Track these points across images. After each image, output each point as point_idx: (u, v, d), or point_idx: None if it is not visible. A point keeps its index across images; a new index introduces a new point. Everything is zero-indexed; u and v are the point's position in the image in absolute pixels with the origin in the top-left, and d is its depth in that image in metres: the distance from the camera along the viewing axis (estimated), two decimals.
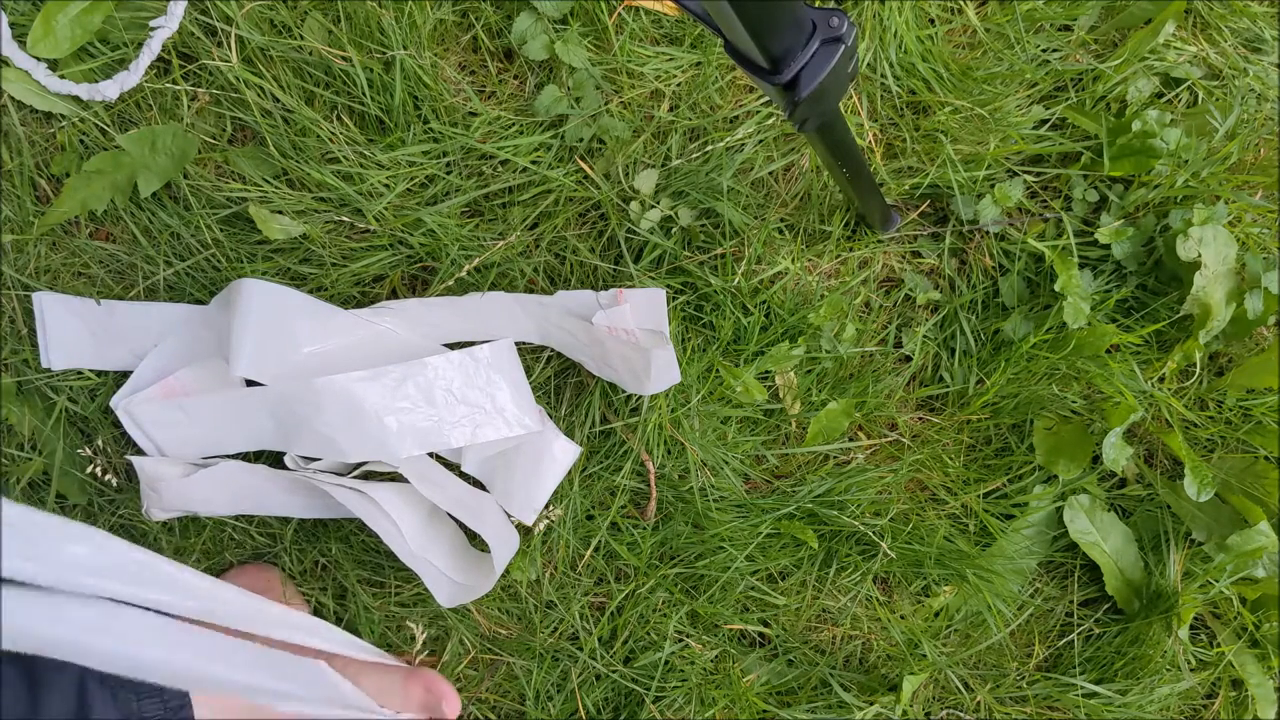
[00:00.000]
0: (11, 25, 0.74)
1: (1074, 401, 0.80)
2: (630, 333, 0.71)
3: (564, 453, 0.74)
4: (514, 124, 0.76)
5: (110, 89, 0.74)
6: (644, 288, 0.74)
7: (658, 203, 0.76)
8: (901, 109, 0.81)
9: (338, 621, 0.78)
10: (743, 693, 0.77)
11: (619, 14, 0.76)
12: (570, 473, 0.75)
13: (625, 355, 0.71)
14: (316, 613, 0.78)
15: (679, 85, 0.78)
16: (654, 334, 0.71)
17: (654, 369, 0.69)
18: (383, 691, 0.70)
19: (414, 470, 0.70)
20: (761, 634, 0.81)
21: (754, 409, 0.79)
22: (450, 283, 0.75)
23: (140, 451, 0.75)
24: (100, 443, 0.75)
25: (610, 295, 0.72)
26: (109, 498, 0.75)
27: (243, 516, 0.76)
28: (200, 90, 0.75)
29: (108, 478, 0.74)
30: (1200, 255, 0.77)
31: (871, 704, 0.78)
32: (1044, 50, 0.82)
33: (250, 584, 0.74)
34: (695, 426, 0.77)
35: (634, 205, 0.76)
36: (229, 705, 0.67)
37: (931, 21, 0.81)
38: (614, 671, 0.78)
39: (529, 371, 0.77)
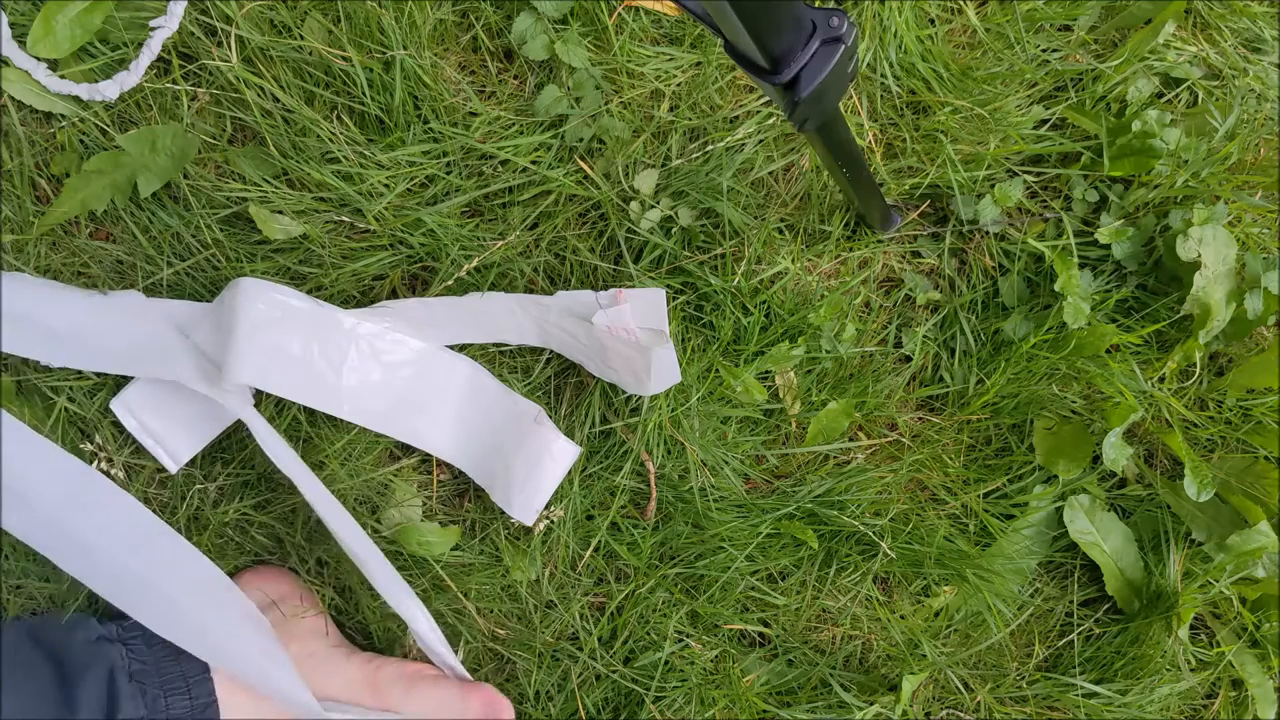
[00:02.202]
0: (11, 25, 0.74)
1: (1074, 401, 0.80)
2: (630, 332, 0.71)
3: (564, 453, 0.74)
4: (514, 124, 0.76)
5: (110, 89, 0.74)
6: (644, 287, 0.74)
7: (658, 203, 0.76)
8: (901, 109, 0.81)
9: (347, 619, 0.78)
10: (743, 693, 0.77)
11: (619, 14, 0.76)
12: (570, 473, 0.75)
13: (625, 355, 0.71)
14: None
15: (679, 85, 0.78)
16: (654, 333, 0.71)
17: (654, 369, 0.69)
18: (441, 704, 0.70)
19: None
20: (761, 634, 0.81)
21: (754, 409, 0.79)
22: (450, 283, 0.75)
23: (143, 452, 0.75)
24: (100, 440, 0.75)
25: (610, 295, 0.72)
26: None
27: (244, 518, 0.76)
28: (200, 90, 0.75)
29: (114, 472, 0.74)
30: (1200, 255, 0.77)
31: (871, 704, 0.78)
32: (1044, 50, 0.82)
33: (266, 586, 0.74)
34: (695, 426, 0.77)
35: (634, 205, 0.76)
36: (258, 705, 0.67)
37: (931, 21, 0.81)
38: (614, 671, 0.78)
39: (528, 371, 0.77)
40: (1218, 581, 0.79)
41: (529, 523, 0.74)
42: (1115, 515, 0.83)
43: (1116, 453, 0.78)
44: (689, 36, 0.78)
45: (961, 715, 0.81)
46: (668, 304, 0.73)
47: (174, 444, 0.74)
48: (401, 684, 0.71)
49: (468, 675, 0.74)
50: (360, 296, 0.76)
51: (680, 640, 0.79)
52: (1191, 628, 0.82)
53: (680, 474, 0.77)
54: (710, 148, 0.77)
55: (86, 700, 0.60)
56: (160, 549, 0.64)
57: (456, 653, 0.75)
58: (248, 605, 0.66)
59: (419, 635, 0.71)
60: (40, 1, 0.73)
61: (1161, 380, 0.82)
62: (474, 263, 0.74)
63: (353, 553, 0.70)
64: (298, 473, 0.69)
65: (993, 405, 0.81)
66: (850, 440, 0.81)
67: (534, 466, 0.73)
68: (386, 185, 0.75)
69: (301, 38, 0.74)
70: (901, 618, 0.81)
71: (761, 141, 0.78)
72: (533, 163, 0.76)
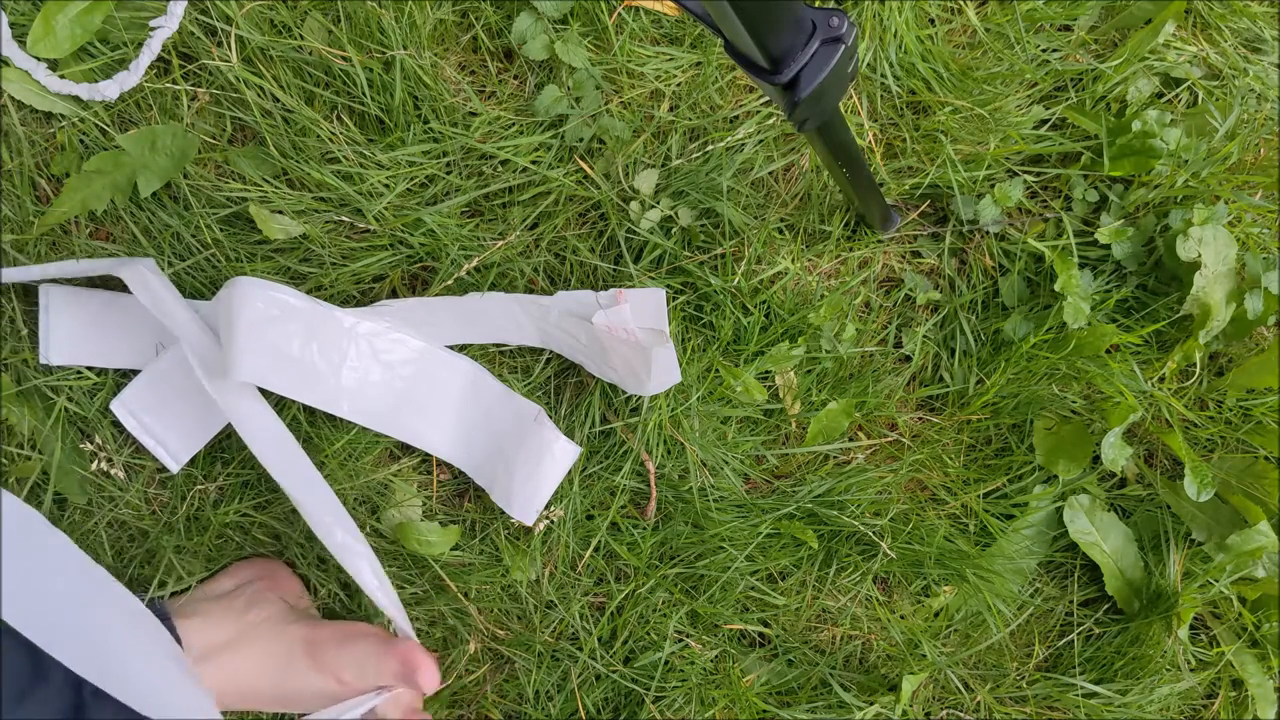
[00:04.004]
0: (11, 25, 0.74)
1: (1074, 401, 0.80)
2: (630, 332, 0.71)
3: (564, 453, 0.74)
4: (514, 124, 0.76)
5: (110, 89, 0.74)
6: (644, 287, 0.74)
7: (658, 203, 0.76)
8: (901, 109, 0.81)
9: (348, 614, 0.78)
10: (743, 693, 0.77)
11: (619, 14, 0.76)
12: (570, 473, 0.76)
13: (625, 356, 0.71)
14: (325, 607, 0.78)
15: (679, 85, 0.78)
16: (655, 333, 0.71)
17: (654, 369, 0.69)
18: (359, 663, 0.69)
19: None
20: (761, 634, 0.81)
21: (754, 409, 0.79)
22: (450, 282, 0.75)
23: (143, 451, 0.75)
24: (100, 440, 0.75)
25: (610, 295, 0.72)
26: (109, 494, 0.75)
27: (244, 518, 0.76)
28: (200, 90, 0.75)
29: (114, 471, 0.74)
30: (1200, 255, 0.77)
31: (871, 704, 0.78)
32: (1044, 50, 0.82)
33: (249, 571, 0.75)
34: (695, 426, 0.77)
35: (634, 205, 0.76)
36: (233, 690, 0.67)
37: (931, 21, 0.81)
38: (614, 671, 0.78)
39: (528, 371, 0.77)
40: (1218, 581, 0.79)
41: (529, 523, 0.74)
42: (1115, 515, 0.83)
43: (1116, 453, 0.78)
44: (689, 36, 0.78)
45: (961, 715, 0.81)
46: (668, 304, 0.73)
47: (174, 444, 0.74)
48: (334, 642, 0.70)
49: (408, 629, 0.71)
50: (360, 296, 0.76)
51: (680, 640, 0.79)
52: (1191, 628, 0.82)
53: (680, 474, 0.77)
54: (710, 148, 0.77)
55: (54, 701, 0.60)
56: (42, 551, 0.62)
57: (450, 650, 0.75)
58: (133, 603, 0.64)
59: (354, 573, 0.69)
60: (40, 1, 0.73)
61: (1161, 380, 0.82)
62: (474, 263, 0.74)
63: (290, 492, 0.68)
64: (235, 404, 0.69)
65: (993, 405, 0.81)
66: (850, 440, 0.81)
67: (534, 467, 0.73)
68: (386, 185, 0.75)
69: (301, 38, 0.74)
70: (901, 618, 0.81)
71: (761, 141, 0.78)
72: (533, 163, 0.76)
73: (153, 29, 0.74)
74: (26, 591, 0.59)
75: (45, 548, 0.61)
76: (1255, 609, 0.82)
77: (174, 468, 0.75)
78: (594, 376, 0.76)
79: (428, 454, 0.77)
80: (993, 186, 0.80)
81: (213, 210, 0.75)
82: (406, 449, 0.78)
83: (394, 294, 0.77)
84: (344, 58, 0.73)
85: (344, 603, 0.78)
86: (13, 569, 0.59)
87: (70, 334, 0.73)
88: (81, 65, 0.74)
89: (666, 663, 0.78)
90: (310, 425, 0.75)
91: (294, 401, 0.74)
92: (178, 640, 0.66)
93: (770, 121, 0.78)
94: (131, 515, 0.76)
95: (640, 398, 0.75)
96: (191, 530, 0.76)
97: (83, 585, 0.61)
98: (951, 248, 0.82)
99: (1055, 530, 0.83)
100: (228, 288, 0.69)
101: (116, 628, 0.61)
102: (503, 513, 0.75)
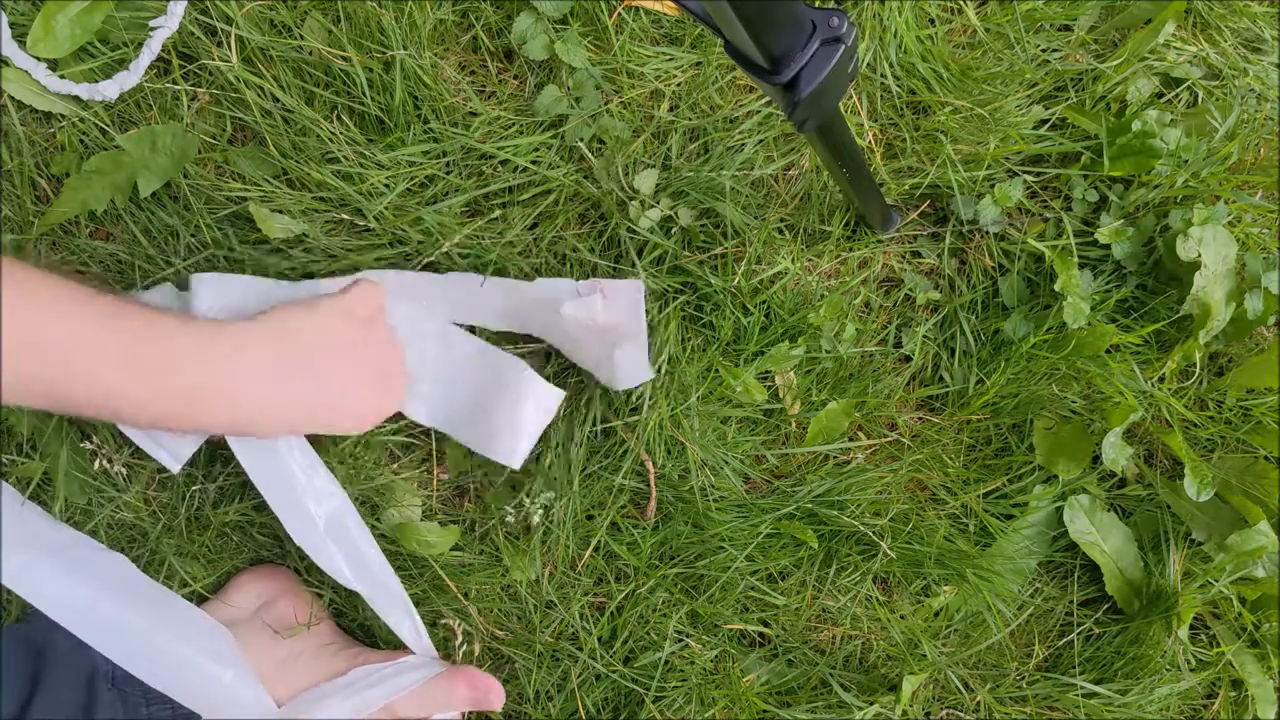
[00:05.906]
0: (11, 25, 0.74)
1: (1074, 401, 0.80)
2: (597, 324, 0.70)
3: (546, 395, 0.73)
4: (514, 124, 0.76)
5: (110, 89, 0.74)
6: (622, 279, 0.73)
7: (657, 202, 0.76)
8: (901, 109, 0.81)
9: (348, 620, 0.78)
10: (743, 693, 0.77)
11: (619, 14, 0.76)
12: (570, 472, 0.75)
13: (593, 348, 0.70)
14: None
15: (679, 85, 0.78)
16: (628, 326, 0.70)
17: (622, 363, 0.69)
18: (426, 698, 0.71)
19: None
20: (761, 634, 0.81)
21: (754, 409, 0.79)
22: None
23: (142, 454, 0.75)
24: (98, 441, 0.75)
25: (590, 284, 0.72)
26: (108, 495, 0.75)
27: (244, 518, 0.76)
28: (200, 90, 0.75)
29: (117, 469, 0.74)
30: (1200, 255, 0.77)
31: (871, 704, 0.78)
32: (1044, 50, 0.82)
33: (263, 586, 0.74)
34: (695, 426, 0.77)
35: (634, 205, 0.76)
36: None
37: (931, 21, 0.81)
38: (614, 671, 0.78)
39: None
40: (1217, 581, 0.79)
41: (516, 466, 0.72)
42: (1115, 515, 0.83)
43: (1116, 453, 0.78)
44: (689, 36, 0.78)
45: (961, 715, 0.81)
46: (645, 295, 0.72)
47: (174, 443, 0.74)
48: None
49: (436, 657, 0.74)
50: None
51: (680, 640, 0.79)
52: (1191, 628, 0.82)
53: (680, 474, 0.77)
54: (710, 148, 0.77)
55: (63, 702, 0.60)
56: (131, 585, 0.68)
57: (455, 652, 0.75)
58: (208, 622, 0.68)
59: (395, 626, 0.72)
60: (40, 1, 0.73)
61: (1161, 380, 0.82)
62: (473, 263, 0.74)
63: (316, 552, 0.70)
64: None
65: (993, 405, 0.81)
66: (850, 440, 0.81)
67: (514, 411, 0.72)
68: (386, 185, 0.75)
69: (301, 38, 0.74)
70: (901, 618, 0.81)
71: (761, 141, 0.78)
72: (533, 163, 0.76)
73: (153, 29, 0.74)
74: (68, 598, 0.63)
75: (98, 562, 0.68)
76: (1255, 609, 0.82)
77: (174, 467, 0.74)
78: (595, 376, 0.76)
79: (428, 454, 0.77)
80: (993, 186, 0.80)
81: (213, 210, 0.75)
82: (406, 449, 0.78)
83: None
84: (344, 58, 0.73)
85: (341, 608, 0.78)
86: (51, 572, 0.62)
87: None
88: (81, 65, 0.74)
89: (666, 663, 0.78)
90: None
91: None
92: None
93: (770, 121, 0.78)
94: (131, 516, 0.76)
95: (641, 397, 0.75)
96: (193, 530, 0.76)
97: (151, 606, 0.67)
98: (951, 248, 0.82)
99: (1055, 530, 0.83)
100: (193, 283, 0.70)
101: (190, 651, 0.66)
102: (503, 513, 0.75)
